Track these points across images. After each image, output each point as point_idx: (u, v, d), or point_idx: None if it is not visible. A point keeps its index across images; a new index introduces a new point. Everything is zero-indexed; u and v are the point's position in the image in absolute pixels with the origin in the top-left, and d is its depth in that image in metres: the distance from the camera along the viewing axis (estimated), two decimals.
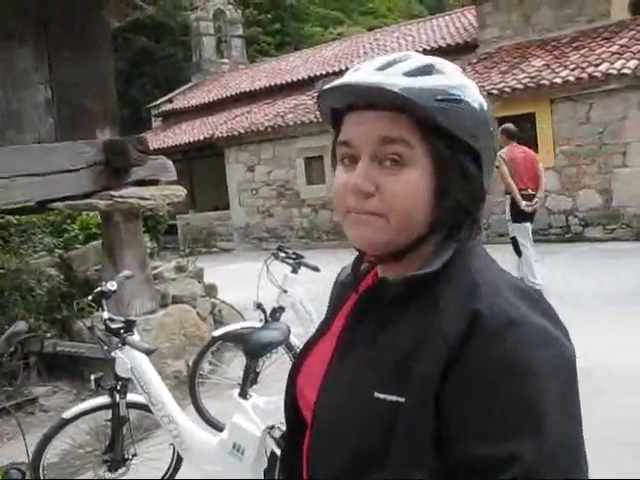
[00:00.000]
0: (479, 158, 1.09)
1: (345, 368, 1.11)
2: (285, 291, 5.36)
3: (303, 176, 18.58)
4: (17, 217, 11.49)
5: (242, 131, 19.86)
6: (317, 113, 17.82)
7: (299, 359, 1.30)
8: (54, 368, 6.87)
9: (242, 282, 10.79)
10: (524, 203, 8.68)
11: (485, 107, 1.10)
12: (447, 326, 0.99)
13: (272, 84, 23.85)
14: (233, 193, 20.37)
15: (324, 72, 21.97)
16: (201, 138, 21.70)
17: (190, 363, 6.94)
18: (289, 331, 3.66)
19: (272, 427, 3.34)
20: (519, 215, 8.83)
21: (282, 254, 5.55)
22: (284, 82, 23.43)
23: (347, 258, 1.40)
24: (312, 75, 22.41)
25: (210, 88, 28.10)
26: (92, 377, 3.72)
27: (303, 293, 5.51)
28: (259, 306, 5.09)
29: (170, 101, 29.15)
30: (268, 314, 5.18)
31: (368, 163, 1.07)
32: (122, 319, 3.60)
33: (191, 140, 22.21)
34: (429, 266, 1.07)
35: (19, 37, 6.22)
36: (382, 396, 1.01)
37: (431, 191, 1.07)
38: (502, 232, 12.08)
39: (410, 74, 1.06)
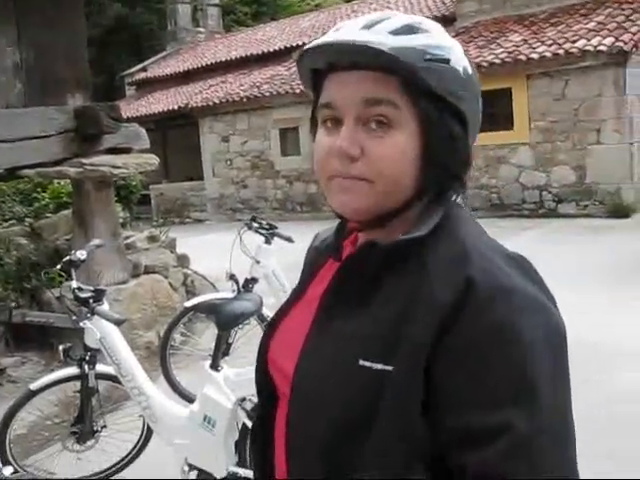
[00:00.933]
0: (465, 120, 1.06)
1: (326, 336, 1.07)
2: (258, 262, 5.30)
3: (278, 147, 18.47)
4: None
5: (217, 101, 19.69)
6: (293, 84, 17.77)
7: (271, 328, 1.25)
8: (23, 338, 6.77)
9: (215, 253, 10.77)
10: None
11: (469, 70, 1.06)
12: (439, 293, 0.95)
13: (248, 54, 23.61)
14: (207, 164, 20.22)
15: (301, 43, 21.73)
16: (175, 107, 21.46)
17: (161, 334, 6.91)
18: (261, 302, 3.61)
19: (243, 399, 3.30)
20: None
21: (255, 224, 5.48)
22: (260, 52, 23.19)
23: (321, 229, 1.35)
24: (289, 45, 22.18)
25: (185, 57, 27.78)
26: (60, 347, 3.65)
27: (276, 264, 5.46)
28: (232, 277, 5.02)
29: (144, 69, 28.77)
30: (241, 285, 5.13)
31: (353, 125, 1.03)
32: (91, 289, 3.52)
33: (165, 109, 21.96)
34: (417, 230, 1.03)
35: None
36: (367, 364, 0.97)
37: (418, 154, 1.03)
38: None
39: (397, 32, 1.02)
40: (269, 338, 1.23)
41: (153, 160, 6.60)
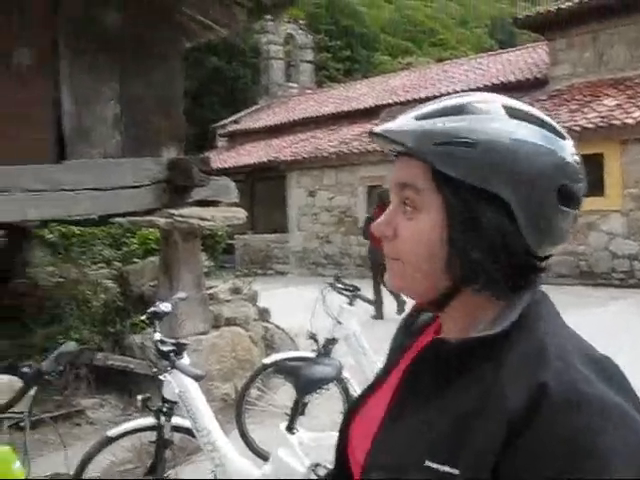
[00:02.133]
0: (509, 208, 0.99)
1: (397, 430, 1.04)
2: (339, 322, 5.26)
3: (364, 204, 18.47)
4: (79, 228, 11.70)
5: (306, 155, 19.89)
6: None
7: (354, 407, 1.23)
8: (103, 381, 6.90)
9: (295, 307, 10.78)
10: None
11: (532, 152, 0.99)
12: (511, 395, 0.90)
13: (338, 111, 23.87)
14: (293, 217, 20.39)
15: (391, 101, 21.94)
16: (265, 160, 21.80)
17: (239, 388, 6.91)
18: (341, 367, 3.57)
19: (317, 465, 3.25)
20: None
21: (339, 285, 5.44)
22: (350, 109, 23.41)
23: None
24: (379, 104, 22.31)
25: (276, 111, 28.29)
26: (139, 397, 3.68)
27: (357, 325, 5.40)
28: (312, 336, 5.00)
29: (236, 122, 29.41)
30: (321, 344, 5.10)
31: (395, 207, 1.08)
32: (173, 341, 3.55)
33: (254, 162, 22.34)
34: (490, 328, 0.99)
35: (93, 53, 6.32)
36: (434, 465, 0.93)
37: (443, 240, 1.02)
38: None
39: (423, 117, 1.04)
40: (350, 421, 1.21)
41: (241, 214, 6.71)
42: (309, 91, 30.34)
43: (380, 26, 43.26)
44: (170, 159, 6.59)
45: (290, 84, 31.18)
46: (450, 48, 43.18)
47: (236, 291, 8.47)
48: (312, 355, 5.09)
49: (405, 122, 1.04)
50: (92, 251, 11.68)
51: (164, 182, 6.48)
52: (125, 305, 7.70)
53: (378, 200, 12.11)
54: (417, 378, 1.07)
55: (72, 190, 5.92)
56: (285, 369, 3.89)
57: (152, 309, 3.69)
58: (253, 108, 30.37)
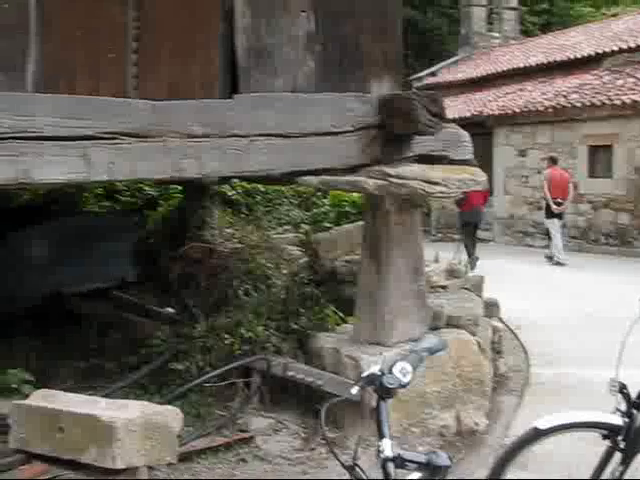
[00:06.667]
0: None
1: None
2: None
3: (585, 167, 15.99)
4: (264, 185, 10.34)
5: (516, 110, 17.64)
6: (610, 94, 15.24)
7: None
8: (280, 394, 5.21)
9: (504, 284, 8.66)
10: (554, 207, 13.88)
11: None
12: None
13: (550, 60, 21.10)
14: (499, 178, 18.20)
15: (615, 48, 18.89)
16: (467, 115, 19.57)
17: (462, 417, 5.04)
18: None
19: None
20: (550, 214, 14.06)
21: None
22: (565, 59, 20.55)
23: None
24: (599, 52, 19.35)
25: (478, 62, 25.85)
26: None
27: None
28: (622, 389, 2.95)
29: (434, 74, 27.32)
30: (633, 400, 3.03)
31: None
32: (418, 458, 1.61)
33: (456, 116, 20.08)
34: None
35: None
36: None
37: None
38: None
39: None
40: None
41: (480, 177, 4.66)
42: (513, 41, 27.54)
43: None
44: (383, 96, 4.67)
45: (492, 34, 28.54)
46: None
47: (453, 273, 6.51)
48: (620, 422, 3.01)
49: None
50: (278, 211, 10.34)
51: (375, 127, 4.58)
52: (313, 289, 5.94)
53: None
54: None
55: (246, 136, 4.19)
56: None
57: (374, 370, 1.77)
58: (451, 60, 28.12)
